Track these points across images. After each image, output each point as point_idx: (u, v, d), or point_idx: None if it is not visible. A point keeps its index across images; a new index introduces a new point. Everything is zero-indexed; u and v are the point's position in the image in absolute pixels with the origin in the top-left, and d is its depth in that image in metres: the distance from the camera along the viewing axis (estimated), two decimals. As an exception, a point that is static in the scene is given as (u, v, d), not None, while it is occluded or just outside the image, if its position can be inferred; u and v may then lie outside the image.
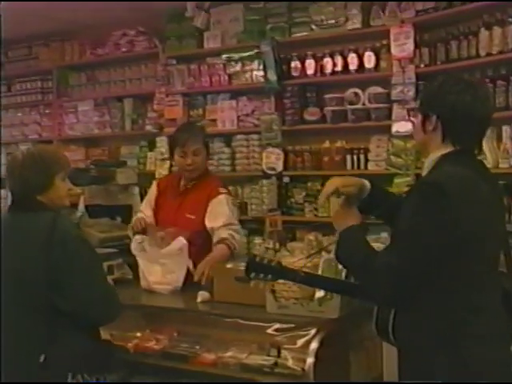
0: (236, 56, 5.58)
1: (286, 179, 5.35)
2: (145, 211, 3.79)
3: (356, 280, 2.42)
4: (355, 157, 5.00)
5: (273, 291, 2.82)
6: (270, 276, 2.44)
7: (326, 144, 5.16)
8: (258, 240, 5.39)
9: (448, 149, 2.19)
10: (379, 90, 4.89)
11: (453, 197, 2.04)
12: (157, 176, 5.72)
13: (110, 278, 3.37)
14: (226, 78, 5.65)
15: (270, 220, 5.26)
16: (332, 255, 2.63)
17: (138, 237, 3.51)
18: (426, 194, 2.08)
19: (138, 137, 6.29)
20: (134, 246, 3.47)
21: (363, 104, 4.94)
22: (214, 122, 5.74)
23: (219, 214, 3.53)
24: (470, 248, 2.07)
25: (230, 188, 5.53)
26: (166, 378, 2.93)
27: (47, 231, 2.45)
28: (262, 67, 5.35)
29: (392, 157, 4.76)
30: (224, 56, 5.65)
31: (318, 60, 5.15)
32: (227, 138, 5.73)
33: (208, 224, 3.54)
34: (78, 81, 6.73)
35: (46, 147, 2.96)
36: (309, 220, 5.11)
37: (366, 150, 4.99)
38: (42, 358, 2.39)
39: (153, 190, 3.85)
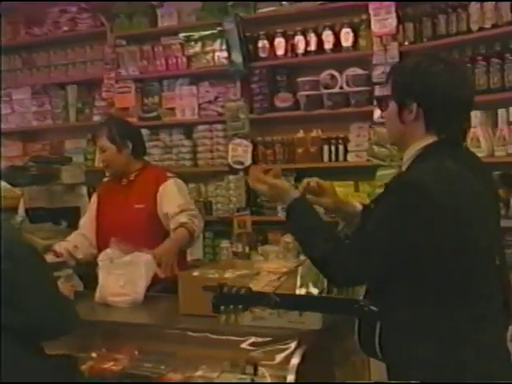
0: (195, 35, 5.58)
1: (255, 174, 5.37)
2: (83, 228, 4.03)
3: (307, 253, 2.43)
4: (333, 147, 5.05)
5: (246, 300, 2.85)
6: (240, 306, 2.46)
7: (300, 134, 5.20)
8: (225, 244, 5.41)
9: (431, 139, 2.19)
10: (359, 71, 4.95)
11: (436, 196, 2.05)
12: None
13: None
14: (185, 60, 5.66)
15: (238, 221, 5.31)
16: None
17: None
18: (405, 194, 2.08)
19: (85, 129, 6.23)
20: (101, 257, 3.57)
21: (341, 87, 4.99)
22: (173, 111, 5.74)
23: (172, 199, 3.81)
24: (461, 248, 2.10)
25: (192, 186, 5.61)
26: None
27: None
28: (225, 48, 5.37)
29: (374, 146, 4.81)
30: (181, 35, 5.65)
31: (288, 38, 5.18)
32: (188, 128, 5.73)
33: (163, 209, 3.79)
34: (12, 65, 6.63)
35: None
36: (281, 220, 5.11)
37: (345, 140, 5.04)
38: None
39: (93, 201, 4.13)
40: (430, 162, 2.14)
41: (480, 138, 4.26)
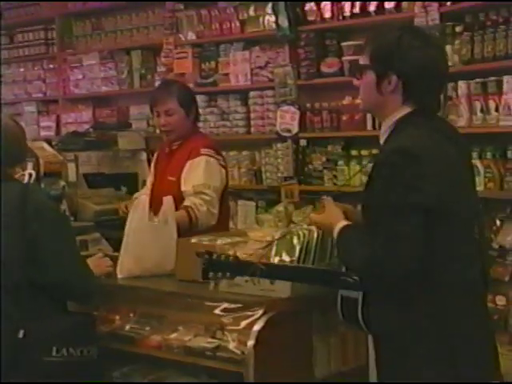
0: (248, -2, 5.80)
1: (302, 142, 5.59)
2: (148, 184, 4.26)
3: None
4: (376, 114, 5.14)
5: (225, 268, 3.13)
6: (228, 274, 2.76)
7: (346, 100, 5.32)
8: (275, 213, 5.65)
9: (407, 110, 2.41)
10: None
11: (424, 162, 2.28)
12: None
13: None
14: (238, 24, 5.89)
15: (286, 190, 5.55)
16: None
17: None
18: (395, 163, 2.29)
19: (148, 95, 6.53)
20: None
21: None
22: (227, 77, 6.03)
23: (192, 178, 3.87)
24: (446, 216, 2.32)
25: (246, 153, 5.88)
26: (110, 360, 3.30)
27: (19, 204, 2.90)
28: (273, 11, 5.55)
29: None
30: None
31: (334, 1, 5.29)
32: (243, 95, 5.99)
33: (182, 187, 3.88)
34: (83, 30, 7.16)
35: None
36: (328, 189, 5.32)
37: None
38: (21, 334, 2.86)
39: (155, 156, 4.35)
40: (409, 132, 2.37)
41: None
